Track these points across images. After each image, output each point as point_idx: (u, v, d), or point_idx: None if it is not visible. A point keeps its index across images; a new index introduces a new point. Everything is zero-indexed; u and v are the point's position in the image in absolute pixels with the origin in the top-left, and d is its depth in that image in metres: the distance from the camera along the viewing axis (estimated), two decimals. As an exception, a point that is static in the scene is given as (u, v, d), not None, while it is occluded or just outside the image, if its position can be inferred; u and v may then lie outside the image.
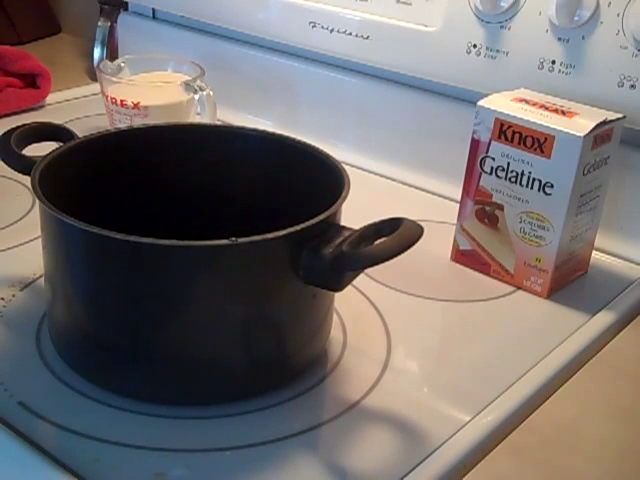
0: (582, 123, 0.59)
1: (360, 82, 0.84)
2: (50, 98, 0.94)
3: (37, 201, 0.47)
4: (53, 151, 0.53)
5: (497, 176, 0.62)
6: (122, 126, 0.78)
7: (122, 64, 0.84)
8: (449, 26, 0.73)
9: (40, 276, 0.58)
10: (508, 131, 0.61)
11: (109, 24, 1.01)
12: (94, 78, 0.99)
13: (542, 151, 0.59)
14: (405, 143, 0.81)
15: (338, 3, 0.80)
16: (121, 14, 1.02)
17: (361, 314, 0.59)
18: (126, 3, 1.02)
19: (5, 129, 0.56)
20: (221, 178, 0.59)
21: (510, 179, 0.62)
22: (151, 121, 0.76)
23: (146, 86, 0.81)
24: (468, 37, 0.72)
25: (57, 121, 0.61)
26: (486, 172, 0.63)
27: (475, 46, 0.72)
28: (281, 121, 0.88)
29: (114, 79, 0.80)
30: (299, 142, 0.57)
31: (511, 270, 0.64)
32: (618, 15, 0.64)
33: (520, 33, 0.69)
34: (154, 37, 1.00)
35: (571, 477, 0.46)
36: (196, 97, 0.79)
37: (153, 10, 1.01)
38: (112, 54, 1.00)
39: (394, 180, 0.81)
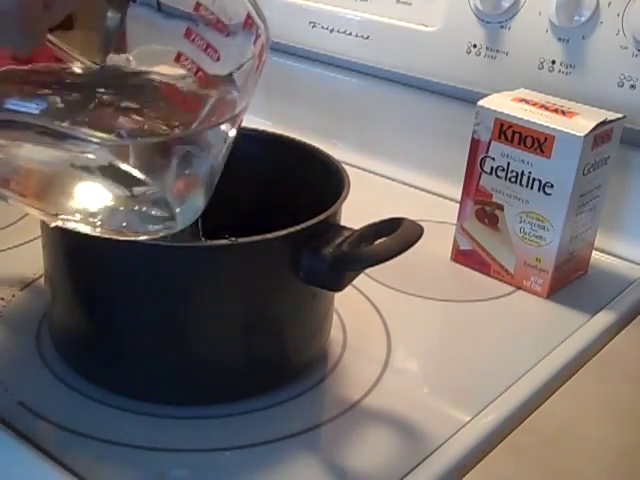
0: (582, 123, 0.59)
1: (360, 82, 0.84)
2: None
3: (37, 201, 0.47)
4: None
5: (497, 176, 0.62)
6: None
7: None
8: (449, 26, 0.73)
9: (40, 276, 0.58)
10: (508, 131, 0.61)
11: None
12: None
13: (542, 151, 0.59)
14: (405, 143, 0.81)
15: (338, 3, 0.80)
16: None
17: (361, 314, 0.59)
18: (135, -5, 1.02)
19: (5, 129, 0.56)
20: (221, 178, 0.59)
21: (510, 179, 0.62)
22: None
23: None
24: (468, 37, 0.72)
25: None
26: (486, 172, 0.63)
27: (475, 46, 0.72)
28: (281, 121, 0.88)
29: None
30: (299, 142, 0.57)
31: (511, 270, 0.64)
32: (618, 15, 0.64)
33: (520, 33, 0.69)
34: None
35: (571, 477, 0.46)
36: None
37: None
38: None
39: (394, 180, 0.81)
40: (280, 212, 0.51)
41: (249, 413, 0.48)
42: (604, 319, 0.60)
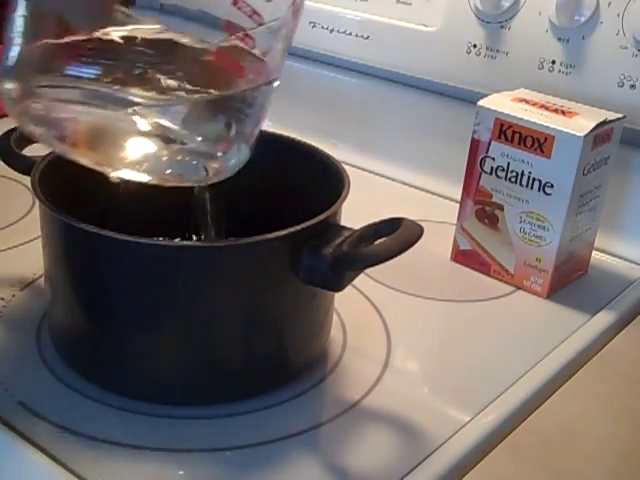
0: (582, 123, 0.59)
1: (360, 82, 0.84)
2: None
3: (37, 201, 0.47)
4: (53, 151, 0.53)
5: (497, 176, 0.62)
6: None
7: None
8: (449, 26, 0.73)
9: (40, 276, 0.58)
10: (508, 131, 0.61)
11: None
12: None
13: (542, 151, 0.59)
14: (405, 143, 0.82)
15: (338, 3, 0.80)
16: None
17: (361, 314, 0.59)
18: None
19: (5, 129, 0.56)
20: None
21: (510, 179, 0.62)
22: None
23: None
24: (468, 37, 0.72)
25: (57, 121, 0.61)
26: (486, 172, 0.63)
27: (475, 46, 0.72)
28: (281, 121, 0.88)
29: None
30: (299, 142, 0.57)
31: (511, 270, 0.64)
32: (618, 15, 0.64)
33: (520, 33, 0.69)
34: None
35: (571, 477, 0.46)
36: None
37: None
38: None
39: (394, 180, 0.81)
40: (280, 212, 0.51)
41: (249, 413, 0.48)
42: (604, 319, 0.60)
